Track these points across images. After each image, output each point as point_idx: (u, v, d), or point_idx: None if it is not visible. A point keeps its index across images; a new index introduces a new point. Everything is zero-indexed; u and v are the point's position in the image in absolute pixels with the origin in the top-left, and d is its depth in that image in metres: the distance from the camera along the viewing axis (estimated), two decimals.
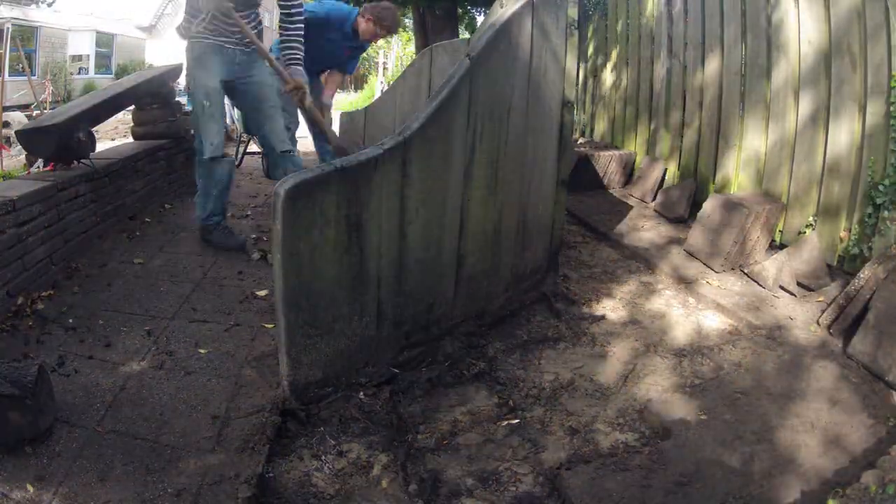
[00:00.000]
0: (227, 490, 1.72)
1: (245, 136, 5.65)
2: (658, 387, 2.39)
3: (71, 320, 2.59)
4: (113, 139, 8.08)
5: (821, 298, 3.03)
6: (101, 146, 4.25)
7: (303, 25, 3.42)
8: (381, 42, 22.66)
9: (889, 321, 2.40)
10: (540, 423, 2.16)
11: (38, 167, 4.13)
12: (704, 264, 3.47)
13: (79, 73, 17.04)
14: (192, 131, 3.63)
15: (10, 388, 1.74)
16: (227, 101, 3.58)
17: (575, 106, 2.97)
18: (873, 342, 2.42)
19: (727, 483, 1.81)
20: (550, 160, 2.89)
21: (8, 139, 8.02)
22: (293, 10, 3.37)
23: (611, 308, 3.05)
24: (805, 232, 3.43)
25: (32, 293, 2.70)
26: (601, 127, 5.77)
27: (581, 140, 5.90)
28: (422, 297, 2.41)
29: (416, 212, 2.26)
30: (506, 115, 2.53)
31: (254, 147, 5.70)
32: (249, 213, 4.34)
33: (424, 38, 8.12)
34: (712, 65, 4.20)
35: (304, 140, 5.25)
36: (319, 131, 4.08)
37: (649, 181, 4.74)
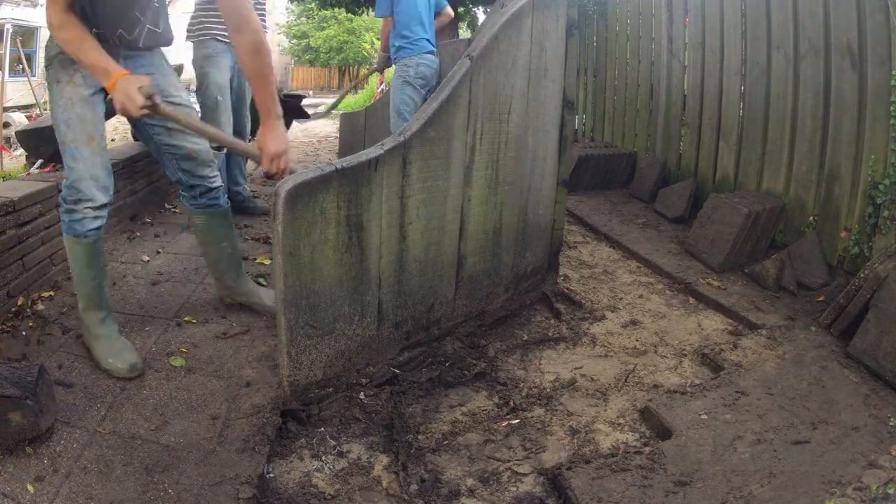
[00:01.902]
0: (228, 490, 1.72)
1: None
2: (659, 387, 2.39)
3: (71, 321, 2.59)
4: (113, 139, 8.09)
5: (821, 298, 3.03)
6: None
7: None
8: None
9: (889, 321, 2.40)
10: (540, 424, 2.16)
11: (38, 168, 4.12)
12: (705, 264, 3.47)
13: None
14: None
15: (12, 389, 1.74)
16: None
17: (575, 106, 2.97)
18: (874, 342, 2.42)
19: (727, 483, 1.81)
20: (551, 160, 2.89)
21: (8, 139, 8.03)
22: None
23: (611, 308, 3.05)
24: (805, 231, 3.43)
25: (33, 294, 2.70)
26: (601, 127, 5.77)
27: (581, 140, 5.90)
28: (422, 297, 2.41)
29: (417, 212, 2.26)
30: (506, 115, 2.53)
31: None
32: None
33: None
34: (712, 65, 4.20)
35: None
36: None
37: (649, 181, 4.74)
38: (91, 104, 2.13)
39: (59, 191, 2.99)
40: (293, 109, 4.89)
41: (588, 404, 2.28)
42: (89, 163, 2.13)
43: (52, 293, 2.79)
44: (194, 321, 2.67)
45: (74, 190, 2.13)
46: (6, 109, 9.06)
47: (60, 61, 2.07)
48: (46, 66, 2.13)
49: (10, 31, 10.65)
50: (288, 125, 4.77)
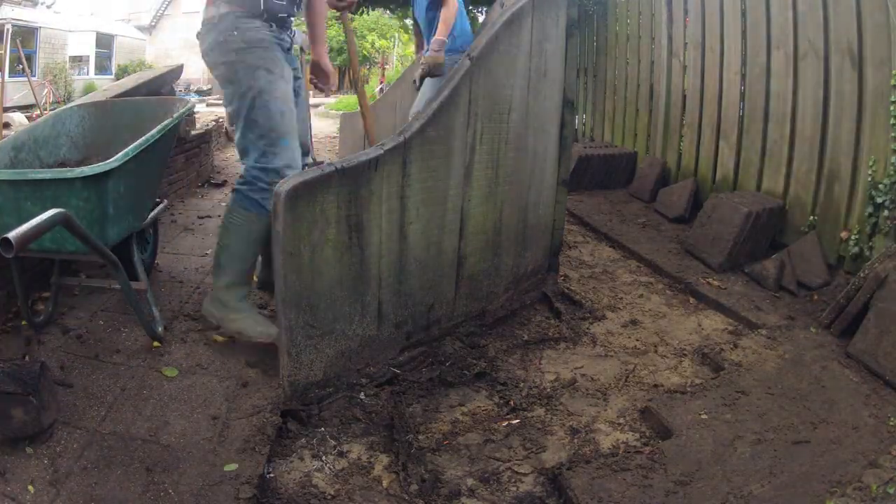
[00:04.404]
0: (228, 490, 1.72)
1: None
2: (659, 387, 2.39)
3: (71, 321, 2.59)
4: None
5: (821, 297, 3.03)
6: None
7: None
8: (381, 42, 22.70)
9: (889, 320, 2.40)
10: (541, 423, 2.16)
11: None
12: (705, 264, 3.47)
13: (78, 73, 17.07)
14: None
15: (14, 386, 1.75)
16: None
17: (575, 106, 2.97)
18: (874, 341, 2.42)
19: (727, 483, 1.81)
20: (551, 160, 2.89)
21: None
22: None
23: (611, 308, 3.05)
24: (805, 231, 3.43)
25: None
26: (601, 127, 5.78)
27: (581, 140, 5.90)
28: (422, 297, 2.41)
29: (417, 212, 2.26)
30: (506, 115, 2.53)
31: None
32: None
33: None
34: (712, 65, 4.20)
35: None
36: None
37: (649, 181, 4.74)
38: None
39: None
40: None
41: (588, 404, 2.28)
42: (295, 153, 2.34)
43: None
44: (195, 321, 2.67)
45: (277, 174, 2.26)
46: (6, 109, 9.06)
47: (269, 50, 2.25)
48: (242, 49, 2.21)
49: (10, 31, 10.65)
50: None
